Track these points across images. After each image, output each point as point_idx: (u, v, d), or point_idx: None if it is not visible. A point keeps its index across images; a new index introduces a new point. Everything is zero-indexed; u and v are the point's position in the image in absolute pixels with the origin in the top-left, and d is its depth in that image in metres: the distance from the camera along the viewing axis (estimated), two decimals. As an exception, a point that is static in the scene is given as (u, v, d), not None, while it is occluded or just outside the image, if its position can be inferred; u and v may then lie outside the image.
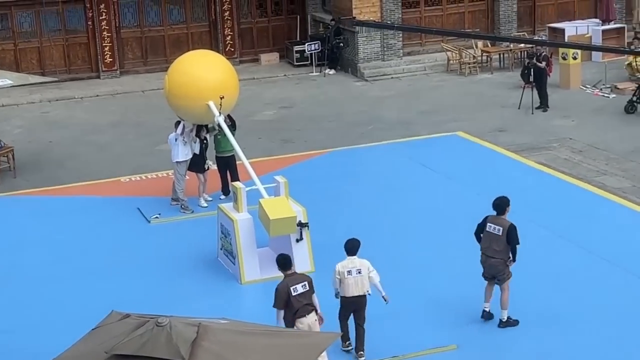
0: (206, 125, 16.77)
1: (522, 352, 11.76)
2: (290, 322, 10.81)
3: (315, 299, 11.02)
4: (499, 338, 12.04)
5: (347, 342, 11.72)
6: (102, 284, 14.00)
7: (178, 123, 16.75)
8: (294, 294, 10.75)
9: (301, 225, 13.67)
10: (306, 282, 10.90)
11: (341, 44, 28.15)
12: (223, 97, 15.52)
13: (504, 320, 12.21)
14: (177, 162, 16.72)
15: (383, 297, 11.46)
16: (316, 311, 10.96)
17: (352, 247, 11.43)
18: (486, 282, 12.34)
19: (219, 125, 15.94)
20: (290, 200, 14.13)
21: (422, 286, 13.46)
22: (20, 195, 18.44)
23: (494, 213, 12.27)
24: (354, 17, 26.02)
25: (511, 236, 12.06)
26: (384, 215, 16.38)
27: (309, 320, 10.81)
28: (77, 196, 18.16)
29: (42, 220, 16.91)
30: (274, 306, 10.89)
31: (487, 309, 12.35)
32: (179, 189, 16.84)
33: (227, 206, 14.53)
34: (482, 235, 12.27)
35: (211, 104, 15.60)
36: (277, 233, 13.55)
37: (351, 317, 11.62)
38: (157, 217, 16.63)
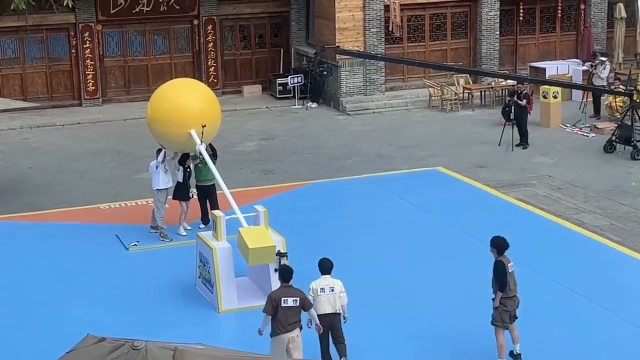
0: (188, 154, 16.78)
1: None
2: (274, 332, 11.09)
3: (313, 312, 11.30)
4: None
5: None
6: (78, 310, 13.89)
7: (159, 151, 16.75)
8: (282, 304, 11.01)
9: (280, 255, 13.63)
10: (298, 298, 11.08)
11: (324, 72, 28.31)
12: (205, 126, 15.55)
13: (518, 352, 12.09)
14: (157, 189, 16.69)
15: (344, 317, 11.61)
16: (302, 328, 11.19)
17: (325, 267, 11.62)
18: (509, 326, 11.91)
19: (200, 153, 15.96)
20: (269, 230, 14.12)
21: (399, 318, 13.42)
22: (-2, 221, 18.36)
23: (494, 254, 11.86)
24: (338, 46, 26.18)
25: None
26: (362, 246, 16.39)
27: (291, 335, 11.03)
28: (56, 222, 18.07)
29: (20, 246, 16.80)
30: (262, 311, 11.17)
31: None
32: (158, 217, 16.79)
33: (206, 234, 14.51)
34: (508, 280, 11.68)
35: (193, 132, 15.61)
36: (255, 262, 13.52)
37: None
38: (135, 245, 16.56)
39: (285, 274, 11.44)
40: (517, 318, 12.00)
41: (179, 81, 17.93)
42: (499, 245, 11.83)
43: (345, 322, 11.64)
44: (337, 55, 27.33)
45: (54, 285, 14.97)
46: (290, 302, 11.05)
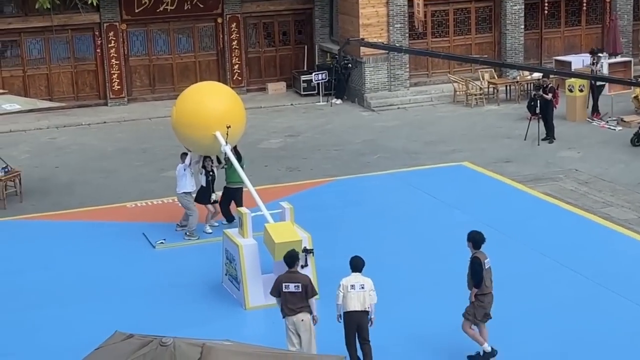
0: (218, 158, 16.83)
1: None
2: (282, 314, 11.52)
3: (313, 301, 11.50)
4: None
5: None
6: (106, 308, 13.98)
7: (184, 154, 16.80)
8: (284, 289, 11.39)
9: (306, 251, 13.66)
10: (300, 284, 11.38)
11: (349, 65, 28.26)
12: (230, 127, 15.59)
13: (488, 351, 12.05)
14: (184, 192, 16.65)
15: (370, 318, 11.58)
16: (311, 313, 11.49)
17: (357, 264, 11.59)
18: (479, 323, 11.89)
19: (225, 157, 16.02)
20: (295, 226, 14.14)
21: (425, 315, 13.39)
22: (27, 220, 18.47)
23: (470, 248, 11.88)
24: (363, 38, 26.11)
25: None
26: (388, 242, 16.36)
27: (296, 318, 11.35)
28: (83, 221, 18.18)
29: (48, 245, 16.93)
30: (270, 292, 11.75)
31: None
32: (192, 217, 16.73)
33: (232, 232, 14.55)
34: (483, 276, 11.68)
35: (218, 134, 15.67)
36: (281, 257, 13.49)
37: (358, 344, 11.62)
38: (162, 243, 16.63)
39: (289, 259, 11.62)
40: (490, 317, 11.91)
41: (203, 84, 17.97)
42: (476, 239, 11.78)
43: (371, 325, 11.59)
44: (360, 50, 27.34)
45: (81, 283, 15.07)
46: (291, 287, 11.35)
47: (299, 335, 11.41)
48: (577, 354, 12.19)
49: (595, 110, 25.18)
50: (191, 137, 16.19)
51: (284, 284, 11.37)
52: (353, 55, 28.03)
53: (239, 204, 16.82)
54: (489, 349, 11.90)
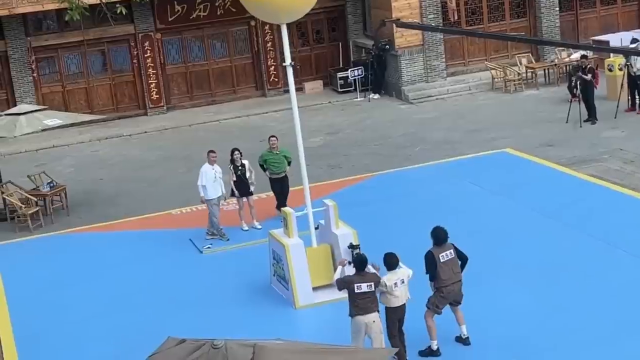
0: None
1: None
2: (352, 313, 11.39)
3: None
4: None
5: None
6: (157, 314, 14.08)
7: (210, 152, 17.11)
8: (356, 290, 11.34)
9: (352, 247, 13.65)
10: (372, 283, 11.39)
11: (387, 47, 28.00)
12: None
13: (466, 335, 12.14)
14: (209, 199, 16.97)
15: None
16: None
17: (392, 262, 11.65)
18: (439, 314, 11.95)
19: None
20: (340, 222, 14.15)
21: (478, 305, 13.29)
22: (74, 233, 18.64)
23: (431, 244, 12.04)
24: (398, 19, 25.92)
25: (461, 252, 12.05)
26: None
27: (367, 319, 11.29)
28: (130, 231, 18.32)
29: (97, 256, 17.07)
30: (336, 280, 11.79)
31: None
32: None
33: (278, 232, 14.58)
34: (437, 270, 11.81)
35: (283, 27, 14.82)
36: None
37: None
38: (209, 248, 16.73)
39: (359, 264, 11.59)
40: (459, 303, 12.04)
41: None
42: (436, 236, 12.00)
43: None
44: (395, 42, 27.26)
45: (132, 292, 15.18)
46: (364, 287, 11.32)
47: (367, 336, 11.40)
48: (626, 333, 12.03)
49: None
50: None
51: (355, 285, 11.36)
52: (389, 37, 27.78)
53: (284, 197, 16.93)
54: (435, 347, 11.97)
